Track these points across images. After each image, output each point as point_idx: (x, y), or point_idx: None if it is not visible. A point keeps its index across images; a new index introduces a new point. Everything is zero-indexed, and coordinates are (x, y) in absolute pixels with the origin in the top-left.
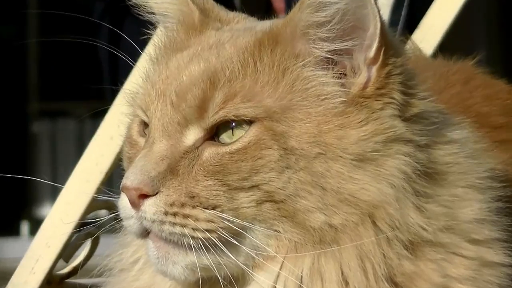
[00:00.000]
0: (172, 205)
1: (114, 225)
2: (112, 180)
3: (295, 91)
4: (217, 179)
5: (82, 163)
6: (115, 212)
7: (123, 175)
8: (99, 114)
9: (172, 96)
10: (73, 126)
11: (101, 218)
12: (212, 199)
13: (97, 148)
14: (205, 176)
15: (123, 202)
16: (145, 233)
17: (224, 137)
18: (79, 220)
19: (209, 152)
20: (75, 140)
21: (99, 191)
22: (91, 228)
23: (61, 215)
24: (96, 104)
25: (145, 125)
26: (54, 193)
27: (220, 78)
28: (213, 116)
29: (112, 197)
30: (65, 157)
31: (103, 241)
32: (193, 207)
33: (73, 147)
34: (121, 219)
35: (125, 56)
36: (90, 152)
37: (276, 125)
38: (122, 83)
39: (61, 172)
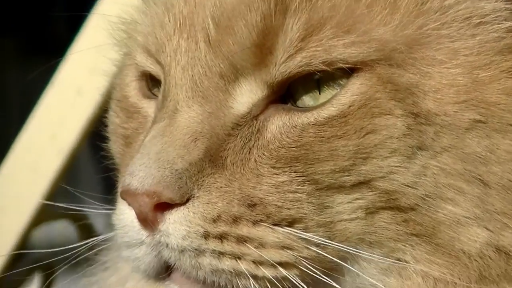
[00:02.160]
0: (216, 220)
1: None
2: (79, 172)
3: (428, 11)
4: (295, 172)
5: (23, 138)
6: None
7: (105, 167)
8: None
9: (207, 27)
10: None
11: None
12: (288, 208)
13: (52, 110)
14: (273, 167)
15: (125, 218)
16: (163, 272)
17: (305, 97)
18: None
19: (278, 123)
20: None
21: (54, 192)
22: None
23: None
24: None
25: (152, 80)
26: None
27: None
28: (284, 63)
29: (80, 206)
30: None
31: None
32: (255, 223)
33: None
34: (101, 248)
35: None
36: (37, 119)
37: (398, 72)
38: None
39: None
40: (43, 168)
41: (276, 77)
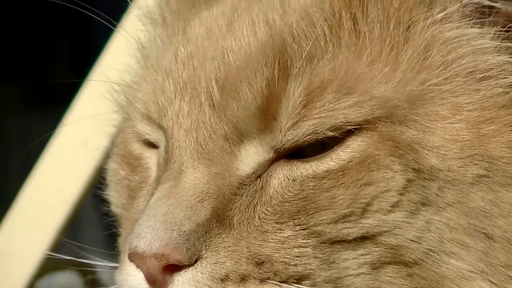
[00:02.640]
0: (224, 280)
1: None
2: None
3: (430, 66)
4: (298, 225)
5: (28, 189)
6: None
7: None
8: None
9: (211, 90)
10: None
11: None
12: (295, 264)
13: (58, 161)
14: (276, 223)
15: (133, 279)
16: None
17: (307, 151)
18: None
19: (280, 177)
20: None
21: (59, 242)
22: None
23: None
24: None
25: (149, 145)
26: None
27: (294, 56)
28: (290, 131)
29: (82, 258)
30: None
31: None
32: (262, 280)
33: None
34: None
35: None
36: (43, 168)
37: (399, 130)
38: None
39: None
40: (48, 219)
41: (283, 143)
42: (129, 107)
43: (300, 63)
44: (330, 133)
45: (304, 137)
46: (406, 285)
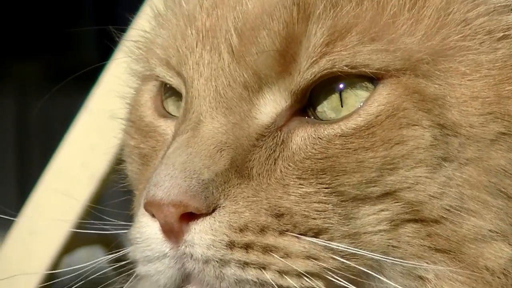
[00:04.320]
0: (243, 230)
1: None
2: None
3: (451, 22)
4: (321, 184)
5: (54, 165)
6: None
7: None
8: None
9: (230, 38)
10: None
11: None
12: (315, 218)
13: (84, 136)
14: (299, 178)
15: (147, 231)
16: (181, 285)
17: (327, 109)
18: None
19: (303, 135)
20: (16, 121)
21: (85, 218)
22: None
23: (11, 264)
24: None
25: (171, 94)
26: None
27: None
28: (308, 70)
29: (108, 231)
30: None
31: None
32: (281, 232)
33: (13, 133)
34: (130, 269)
35: None
36: (69, 144)
37: (424, 83)
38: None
39: None
40: (74, 194)
41: (300, 84)
42: (147, 53)
43: (323, 5)
44: (347, 69)
45: (321, 72)
46: (425, 245)
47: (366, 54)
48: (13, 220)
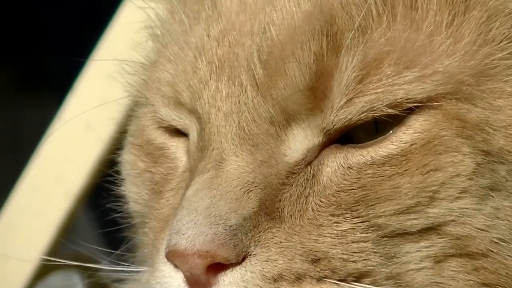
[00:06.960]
0: (278, 279)
1: None
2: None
3: (493, 39)
4: (357, 217)
5: (26, 180)
6: None
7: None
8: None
9: (253, 68)
10: None
11: None
12: (354, 261)
13: (58, 147)
14: (332, 215)
15: (170, 282)
16: None
17: (360, 134)
18: None
19: (333, 165)
20: None
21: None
22: None
23: None
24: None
25: (173, 133)
26: None
27: (344, 27)
28: (343, 109)
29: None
30: None
31: None
32: (319, 279)
33: None
34: None
35: None
36: (43, 156)
37: (466, 107)
38: None
39: None
40: (48, 213)
41: (334, 123)
42: (147, 90)
43: (352, 34)
44: (389, 110)
45: (359, 115)
46: (472, 280)
47: (405, 85)
48: None
